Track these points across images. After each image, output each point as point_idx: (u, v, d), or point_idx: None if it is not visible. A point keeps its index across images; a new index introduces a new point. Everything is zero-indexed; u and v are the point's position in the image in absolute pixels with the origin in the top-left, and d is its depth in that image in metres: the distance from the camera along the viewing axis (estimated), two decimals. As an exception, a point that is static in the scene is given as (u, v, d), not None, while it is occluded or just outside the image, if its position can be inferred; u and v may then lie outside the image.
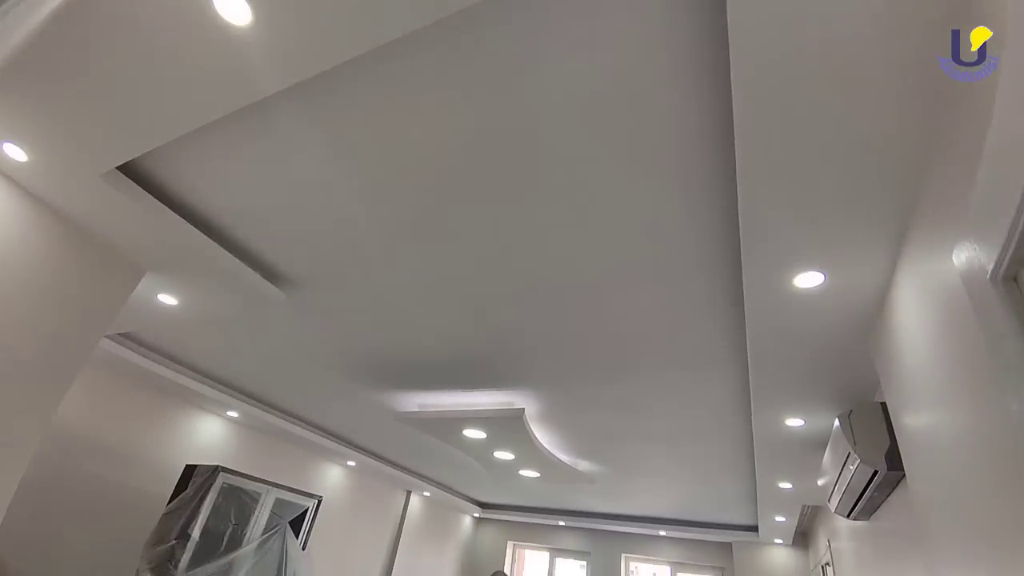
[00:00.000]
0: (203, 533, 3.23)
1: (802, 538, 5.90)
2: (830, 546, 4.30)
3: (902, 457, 1.85)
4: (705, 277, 2.05)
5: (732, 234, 1.80)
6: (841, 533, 3.71)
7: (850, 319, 1.91)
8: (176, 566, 2.97)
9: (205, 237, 2.15)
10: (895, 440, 1.99)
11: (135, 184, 1.91)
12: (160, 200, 2.01)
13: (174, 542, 3.06)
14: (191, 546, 3.11)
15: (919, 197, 1.35)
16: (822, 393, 2.50)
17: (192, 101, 1.41)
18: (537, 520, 7.52)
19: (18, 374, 1.91)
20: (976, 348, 1.05)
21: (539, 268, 2.15)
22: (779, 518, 4.99)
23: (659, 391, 3.09)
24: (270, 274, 2.46)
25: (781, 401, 2.63)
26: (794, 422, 2.83)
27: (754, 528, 5.90)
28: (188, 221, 2.11)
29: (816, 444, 3.03)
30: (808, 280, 1.72)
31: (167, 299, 2.58)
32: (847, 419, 2.23)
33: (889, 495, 2.37)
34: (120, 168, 1.85)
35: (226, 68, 1.28)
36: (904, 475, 2.02)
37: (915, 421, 1.60)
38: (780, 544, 6.07)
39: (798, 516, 4.85)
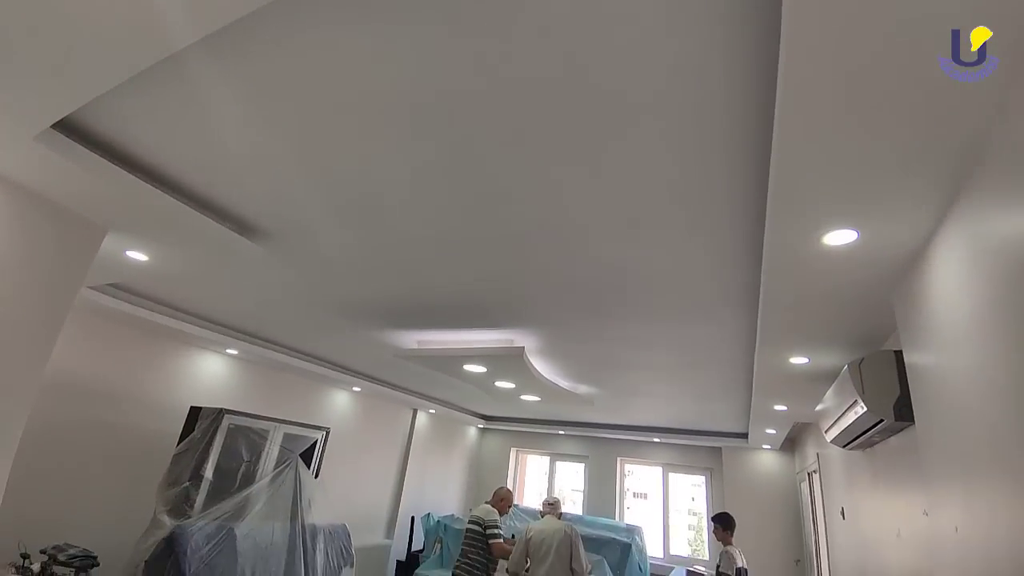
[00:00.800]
0: (216, 472, 3.34)
1: (790, 444, 6.23)
2: (819, 458, 4.52)
3: (913, 404, 1.82)
4: (723, 226, 1.87)
5: (754, 183, 1.59)
6: (832, 451, 3.87)
7: (876, 274, 1.77)
8: (192, 506, 3.10)
9: (156, 190, 1.92)
10: (904, 390, 1.95)
11: (73, 142, 1.67)
12: (108, 156, 1.78)
13: (188, 483, 3.16)
14: (205, 486, 3.22)
15: (986, 151, 1.14)
16: (831, 338, 2.43)
17: (106, 53, 1.14)
18: (538, 430, 7.92)
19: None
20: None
21: (544, 217, 1.95)
22: (769, 430, 5.21)
23: (663, 328, 3.03)
24: (244, 228, 2.26)
25: (787, 344, 2.57)
26: (798, 360, 2.79)
27: (744, 435, 6.21)
28: (141, 176, 1.88)
29: (818, 377, 3.02)
30: (839, 238, 1.56)
31: (137, 256, 2.41)
32: (857, 367, 2.17)
33: (889, 438, 2.38)
34: (60, 127, 1.61)
35: (135, 17, 1.00)
36: (907, 424, 2.02)
37: (940, 372, 1.54)
38: (768, 449, 6.43)
39: (788, 429, 5.07)
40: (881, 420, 2.10)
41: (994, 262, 1.16)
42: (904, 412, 1.98)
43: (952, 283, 1.40)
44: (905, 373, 1.92)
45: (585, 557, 3.82)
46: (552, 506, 4.24)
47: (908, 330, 1.80)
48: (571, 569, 3.76)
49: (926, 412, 1.69)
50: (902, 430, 2.19)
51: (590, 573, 4.91)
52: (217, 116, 1.57)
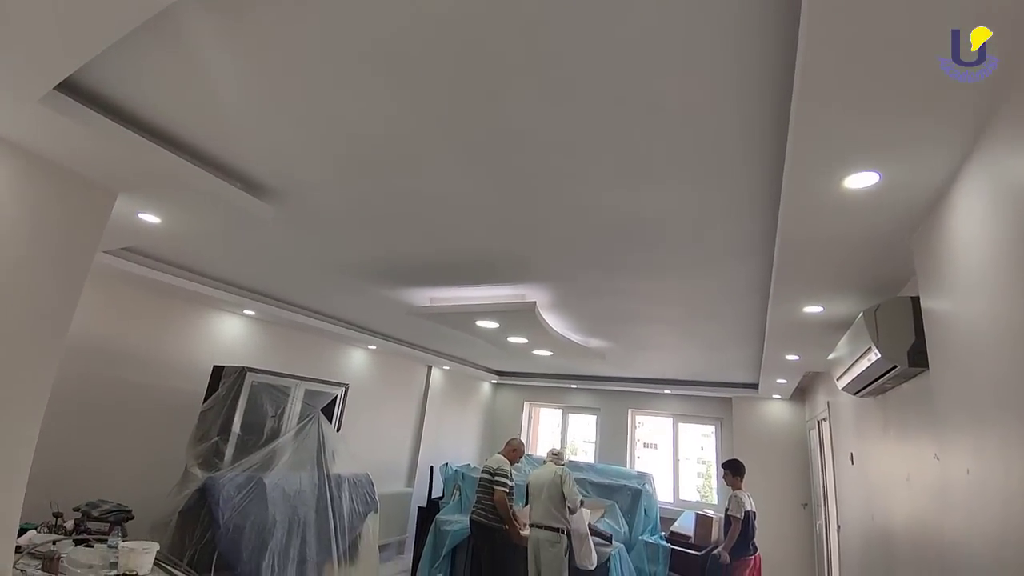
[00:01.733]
0: (243, 427, 3.48)
1: (800, 393, 6.30)
2: (829, 406, 4.58)
3: (928, 350, 1.83)
4: (738, 173, 1.82)
5: (771, 125, 1.53)
6: (843, 398, 3.91)
7: (896, 219, 1.73)
8: (222, 459, 3.25)
9: (163, 150, 1.92)
10: (919, 337, 1.95)
11: (78, 104, 1.66)
12: (115, 117, 1.77)
13: (217, 438, 3.30)
14: (233, 440, 3.37)
15: (1011, 88, 1.08)
16: (847, 286, 2.40)
17: (98, 9, 1.11)
18: (550, 384, 8.08)
19: (16, 311, 1.85)
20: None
21: (554, 166, 1.91)
22: (780, 380, 5.26)
23: (674, 280, 3.02)
24: (253, 187, 2.25)
25: (802, 293, 2.55)
26: (812, 309, 2.78)
27: (754, 386, 6.28)
28: (148, 137, 1.88)
29: (832, 326, 3.01)
30: (860, 181, 1.51)
31: (149, 218, 2.42)
32: (873, 314, 2.15)
33: (902, 384, 2.39)
34: (65, 89, 1.60)
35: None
36: (921, 370, 2.02)
37: (957, 317, 1.53)
38: (778, 399, 6.51)
39: (799, 378, 5.10)
40: (895, 366, 2.10)
41: (1014, 205, 1.13)
42: (918, 358, 1.97)
43: (972, 227, 1.37)
44: (920, 320, 1.91)
45: (575, 492, 4.10)
46: (556, 456, 4.46)
47: (926, 275, 1.78)
48: (566, 507, 4.02)
49: (942, 357, 1.69)
50: (915, 376, 2.19)
51: (602, 516, 5.14)
52: (220, 74, 1.54)
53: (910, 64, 1.07)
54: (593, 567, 4.03)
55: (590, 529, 4.28)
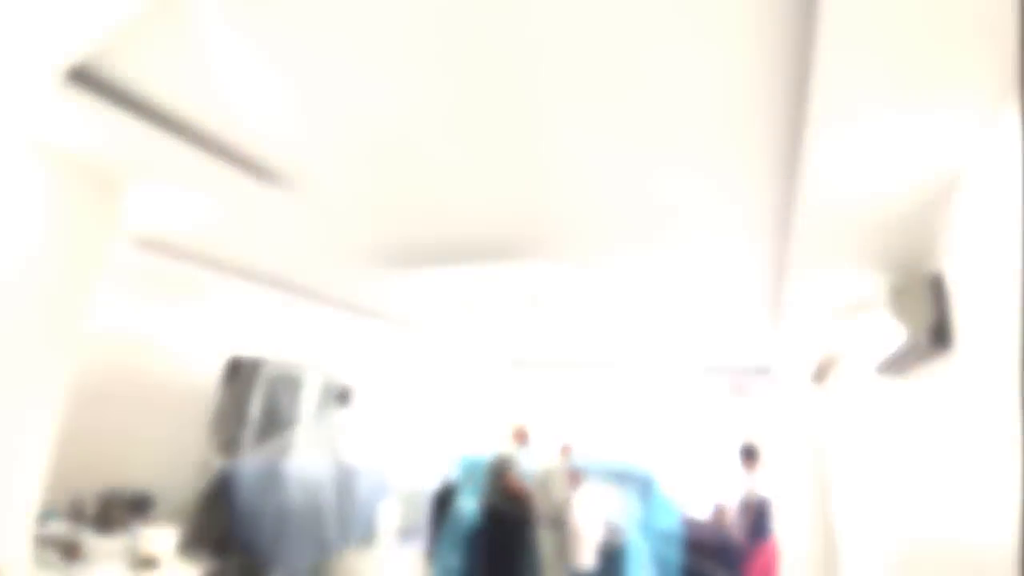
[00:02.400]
0: (260, 415, 3.52)
1: (817, 376, 6.20)
2: (847, 389, 4.50)
3: (954, 326, 1.78)
4: (756, 147, 1.77)
5: (792, 98, 1.49)
6: (862, 380, 3.83)
7: (920, 188, 1.67)
8: (240, 446, 3.29)
9: (176, 140, 1.90)
10: (943, 313, 1.90)
11: (90, 93, 1.65)
12: (126, 106, 1.76)
13: (235, 426, 3.35)
14: (251, 428, 3.41)
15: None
16: (867, 261, 2.34)
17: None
18: (560, 371, 8.07)
19: (31, 303, 1.87)
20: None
21: (566, 140, 1.88)
22: (796, 363, 5.20)
23: (687, 258, 2.97)
24: (266, 174, 2.24)
25: (820, 269, 2.50)
26: (830, 287, 2.72)
27: (768, 369, 6.22)
28: (160, 125, 1.86)
29: (851, 304, 2.95)
30: (885, 148, 1.46)
31: (163, 207, 2.43)
32: (894, 290, 2.10)
33: (924, 363, 2.33)
34: (76, 78, 1.58)
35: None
36: (944, 348, 1.97)
37: (984, 291, 1.48)
38: (793, 383, 6.43)
39: (816, 361, 5.03)
40: (917, 344, 2.05)
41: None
42: (939, 336, 1.92)
43: (1001, 199, 1.31)
44: (943, 296, 1.86)
45: (563, 491, 4.15)
46: (563, 447, 4.47)
47: (951, 250, 1.72)
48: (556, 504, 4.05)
49: (968, 335, 1.64)
50: (938, 355, 2.13)
51: (615, 504, 5.15)
52: (232, 58, 1.52)
53: (939, 20, 1.02)
54: (590, 566, 3.99)
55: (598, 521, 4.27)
